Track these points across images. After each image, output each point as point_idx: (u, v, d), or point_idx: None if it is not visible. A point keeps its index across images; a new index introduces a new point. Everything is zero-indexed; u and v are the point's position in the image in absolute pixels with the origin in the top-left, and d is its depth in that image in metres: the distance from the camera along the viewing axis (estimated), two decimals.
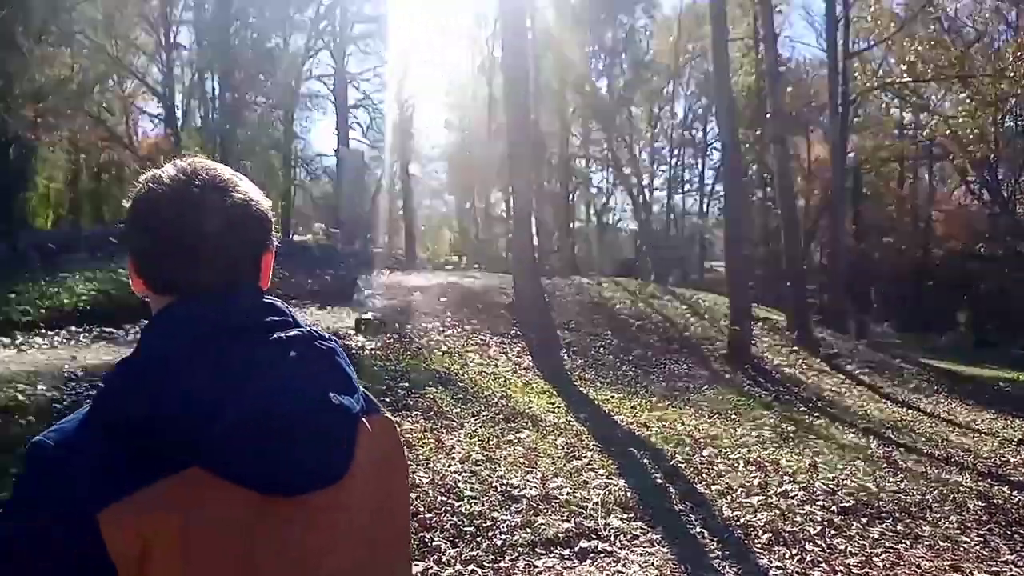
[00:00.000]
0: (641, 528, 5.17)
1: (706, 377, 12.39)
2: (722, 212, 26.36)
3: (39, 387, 6.23)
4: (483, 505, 5.16)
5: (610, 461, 6.65)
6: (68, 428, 0.91)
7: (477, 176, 31.54)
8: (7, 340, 8.39)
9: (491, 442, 6.67)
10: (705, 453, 7.25)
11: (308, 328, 0.99)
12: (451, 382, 8.71)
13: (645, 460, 6.93)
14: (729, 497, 5.94)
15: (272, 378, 0.91)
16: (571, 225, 33.07)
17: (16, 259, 11.14)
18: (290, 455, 0.89)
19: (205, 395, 0.86)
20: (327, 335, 1.01)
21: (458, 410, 7.61)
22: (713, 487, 6.21)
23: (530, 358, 11.27)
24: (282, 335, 0.96)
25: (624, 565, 4.57)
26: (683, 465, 6.80)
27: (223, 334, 0.92)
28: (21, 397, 5.88)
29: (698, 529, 5.30)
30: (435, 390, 8.05)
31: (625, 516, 5.34)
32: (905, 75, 24.08)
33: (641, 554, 4.76)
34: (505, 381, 9.54)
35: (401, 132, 30.29)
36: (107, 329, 9.35)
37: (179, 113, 26.87)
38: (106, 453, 0.85)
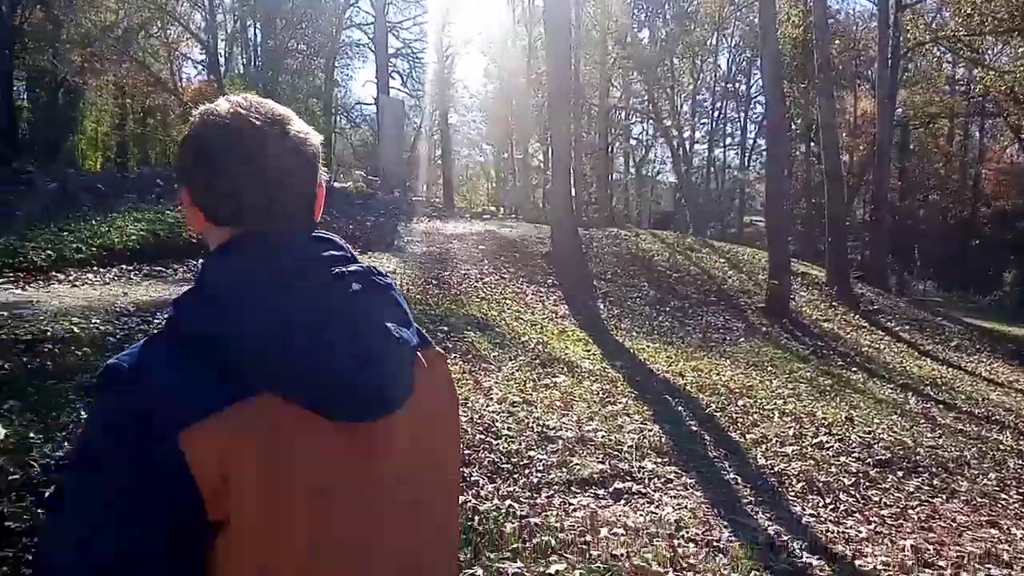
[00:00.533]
0: (675, 472, 5.25)
1: (742, 330, 12.35)
2: (763, 166, 25.85)
3: (93, 321, 6.45)
4: (520, 444, 5.28)
5: (645, 408, 6.72)
6: (142, 352, 0.92)
7: (515, 126, 31.27)
8: (62, 276, 8.67)
9: (528, 385, 6.77)
10: (740, 403, 7.29)
11: (366, 264, 1.02)
12: (489, 327, 8.82)
13: (680, 408, 6.99)
14: (764, 446, 5.99)
15: (337, 308, 0.93)
16: (609, 177, 32.71)
17: (67, 200, 11.39)
18: (355, 382, 0.91)
19: (275, 321, 0.88)
20: (383, 271, 1.03)
21: (496, 354, 7.72)
22: (747, 436, 6.25)
23: (566, 307, 11.33)
24: (343, 269, 0.97)
25: (658, 506, 4.66)
26: (718, 414, 6.85)
27: (288, 264, 0.94)
28: (76, 330, 6.10)
29: (731, 475, 5.36)
30: (473, 334, 8.16)
31: (659, 460, 5.42)
32: (960, 28, 23.11)
33: (675, 496, 4.84)
34: (541, 328, 9.63)
35: (440, 81, 30.08)
36: (156, 268, 9.60)
37: (221, 60, 26.96)
38: (182, 376, 0.86)
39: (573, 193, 17.42)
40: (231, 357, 0.86)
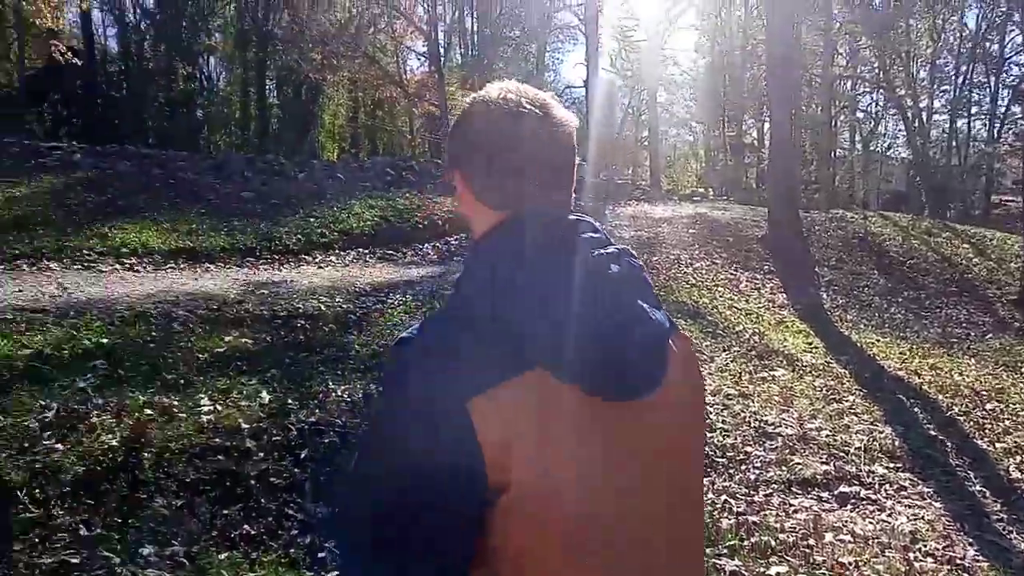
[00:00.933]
0: (909, 479, 4.86)
1: (991, 325, 11.04)
2: (1018, 138, 22.70)
3: (336, 299, 7.17)
4: (736, 439, 5.15)
5: (875, 407, 6.26)
6: (428, 328, 1.00)
7: (727, 102, 30.01)
8: (309, 258, 9.70)
9: (743, 378, 6.57)
10: (988, 407, 6.56)
11: (620, 246, 1.06)
12: (700, 315, 8.63)
13: (915, 409, 6.43)
14: (1018, 457, 5.36)
15: (602, 290, 0.97)
16: (832, 153, 30.45)
17: (314, 187, 12.66)
18: (621, 362, 0.95)
19: (547, 301, 0.93)
20: (634, 252, 1.07)
21: (708, 344, 7.55)
22: (997, 444, 5.62)
23: (785, 295, 10.78)
24: (602, 251, 1.02)
25: (890, 515, 4.35)
26: (961, 418, 6.22)
27: (556, 246, 0.99)
28: (323, 307, 6.81)
29: (978, 487, 4.86)
30: (683, 322, 8.03)
31: (891, 465, 5.05)
32: None
33: (909, 506, 4.49)
34: (757, 317, 9.25)
35: (650, 60, 29.57)
36: (387, 251, 10.44)
37: (441, 51, 28.46)
38: (464, 351, 0.93)
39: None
40: (508, 334, 0.92)
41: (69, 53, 18.95)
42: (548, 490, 0.91)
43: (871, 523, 4.20)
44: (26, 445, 3.70)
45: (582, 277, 0.97)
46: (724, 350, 7.42)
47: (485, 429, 0.89)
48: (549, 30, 29.59)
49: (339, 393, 4.77)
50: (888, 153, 37.26)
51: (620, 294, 0.99)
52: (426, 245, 11.04)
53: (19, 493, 3.36)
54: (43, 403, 4.09)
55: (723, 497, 4.33)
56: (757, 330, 8.48)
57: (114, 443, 3.79)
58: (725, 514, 4.07)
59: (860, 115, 34.94)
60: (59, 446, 3.71)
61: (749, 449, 5.01)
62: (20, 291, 6.36)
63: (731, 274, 11.40)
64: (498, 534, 0.91)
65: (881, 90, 31.45)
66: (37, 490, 3.40)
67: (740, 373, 6.69)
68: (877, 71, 29.57)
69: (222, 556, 3.20)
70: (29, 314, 5.54)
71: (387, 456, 0.94)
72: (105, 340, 5.15)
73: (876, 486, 4.69)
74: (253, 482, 3.75)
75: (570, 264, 0.98)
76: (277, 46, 25.87)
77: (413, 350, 0.97)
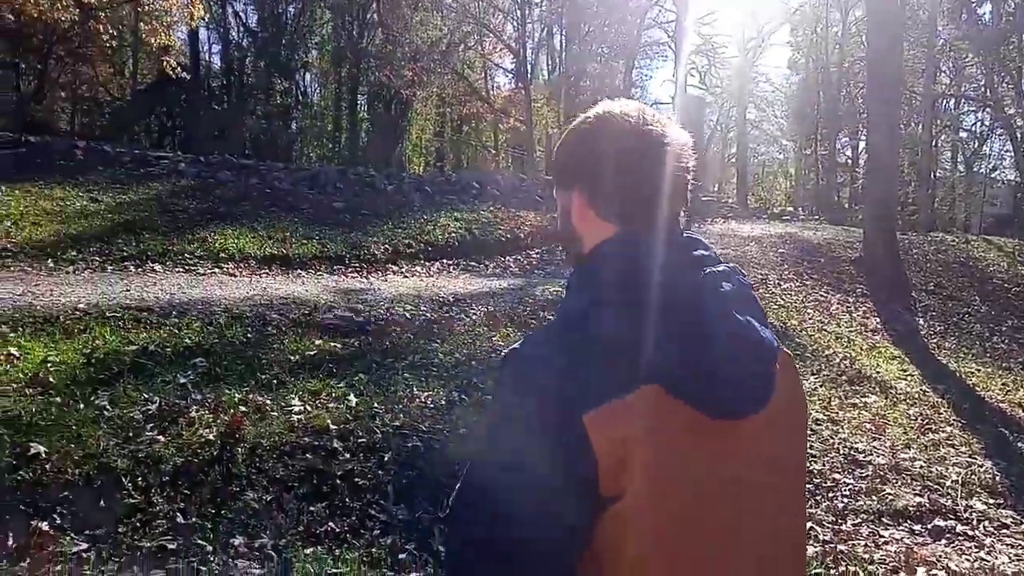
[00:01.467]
0: (1012, 517, 4.59)
1: None
2: None
3: (421, 308, 7.30)
4: (823, 465, 4.98)
5: (974, 439, 5.94)
6: (538, 341, 1.00)
7: (822, 120, 29.15)
8: (395, 268, 9.93)
9: (832, 403, 6.34)
10: None
11: (731, 264, 1.06)
12: (788, 337, 8.38)
13: (1019, 444, 6.07)
14: None
15: (712, 307, 0.97)
16: (933, 174, 29.13)
17: (401, 199, 12.98)
18: (732, 380, 0.95)
19: (660, 319, 0.94)
20: (742, 271, 1.07)
21: (796, 366, 7.31)
22: None
23: (878, 319, 10.36)
24: (713, 269, 1.02)
25: (989, 553, 4.11)
26: None
27: (668, 263, 0.99)
28: (408, 316, 6.96)
29: None
30: None
31: (992, 501, 4.77)
32: None
33: (1012, 545, 4.24)
34: (848, 341, 8.92)
35: (741, 76, 29.08)
36: (470, 263, 10.59)
37: (528, 67, 28.78)
38: (577, 365, 0.93)
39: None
40: (622, 350, 0.93)
41: (179, 68, 20.11)
42: (660, 502, 0.93)
43: (968, 560, 3.99)
44: (130, 435, 3.92)
45: (696, 295, 0.98)
46: (813, 374, 7.19)
47: (602, 442, 0.90)
48: (638, 46, 29.47)
49: (422, 399, 4.86)
50: (993, 175, 35.33)
51: (732, 312, 0.98)
52: (508, 258, 11.14)
53: (123, 479, 3.57)
54: (146, 396, 4.33)
55: (808, 524, 4.20)
56: (848, 354, 8.18)
57: (210, 437, 3.97)
58: (811, 541, 3.94)
59: (963, 134, 33.37)
60: (160, 437, 3.92)
61: (837, 476, 4.83)
62: (127, 291, 6.75)
63: (821, 296, 11.04)
64: (608, 541, 0.93)
65: (987, 109, 29.92)
66: (139, 478, 3.60)
67: (829, 398, 6.46)
68: (984, 89, 28.17)
69: (307, 551, 3.31)
70: (135, 312, 5.87)
71: (498, 465, 0.95)
72: (204, 339, 5.41)
73: (974, 522, 4.45)
74: (339, 481, 3.86)
75: (684, 282, 0.99)
76: (370, 63, 26.68)
77: (522, 362, 0.99)
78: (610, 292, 0.99)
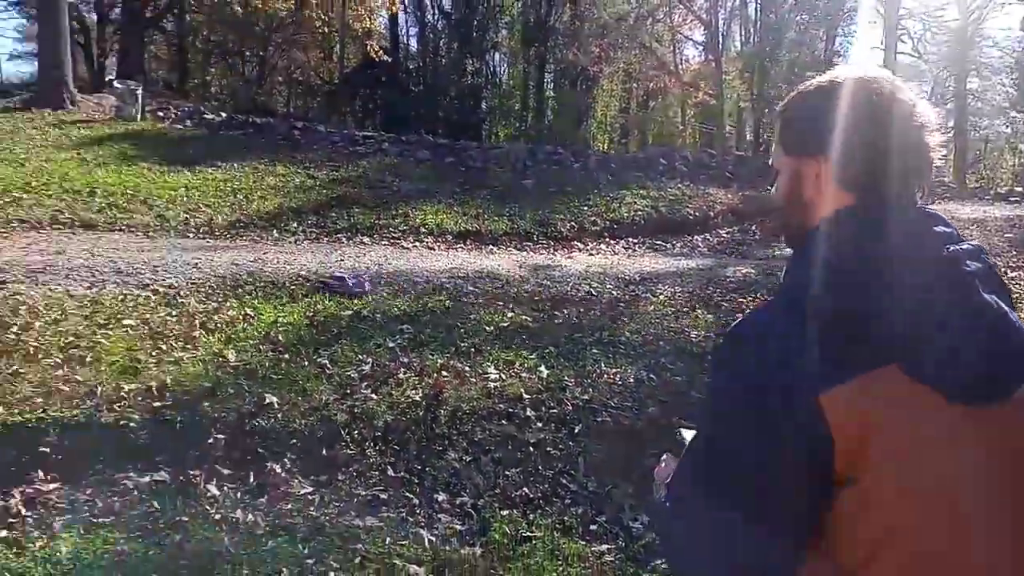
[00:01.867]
0: None
1: None
2: None
3: (607, 285, 7.36)
4: None
5: None
6: (762, 318, 1.00)
7: None
8: (581, 245, 10.05)
9: None
10: None
11: (975, 243, 1.00)
12: None
13: None
14: None
15: (957, 286, 0.93)
16: None
17: (587, 177, 13.05)
18: (976, 363, 0.90)
19: (908, 296, 0.90)
20: (986, 250, 1.01)
21: None
22: None
23: None
24: (957, 247, 0.97)
25: None
26: None
27: (907, 238, 0.96)
28: (594, 293, 7.05)
29: None
30: None
31: None
32: None
33: None
34: None
35: (961, 42, 26.18)
36: (656, 241, 10.47)
37: (720, 38, 27.63)
38: (813, 341, 0.90)
39: None
40: (858, 328, 0.90)
41: (380, 52, 21.40)
42: (903, 488, 0.90)
43: None
44: (348, 392, 4.32)
45: (939, 273, 0.94)
46: None
47: (840, 422, 0.88)
48: (843, 11, 27.36)
49: (611, 375, 4.93)
50: None
51: (976, 292, 0.94)
52: (696, 237, 10.89)
53: (342, 432, 3.94)
54: (360, 357, 4.74)
55: None
56: None
57: (416, 398, 4.29)
58: None
59: None
60: (373, 396, 4.29)
61: None
62: (341, 260, 7.37)
63: None
64: (847, 522, 0.92)
65: None
66: (356, 431, 3.97)
67: None
68: None
69: (504, 513, 3.49)
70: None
71: (725, 448, 0.97)
72: (409, 307, 5.82)
73: None
74: (532, 449, 4.03)
75: (925, 257, 0.95)
76: (558, 40, 26.85)
77: (748, 340, 0.99)
78: (846, 263, 0.96)
